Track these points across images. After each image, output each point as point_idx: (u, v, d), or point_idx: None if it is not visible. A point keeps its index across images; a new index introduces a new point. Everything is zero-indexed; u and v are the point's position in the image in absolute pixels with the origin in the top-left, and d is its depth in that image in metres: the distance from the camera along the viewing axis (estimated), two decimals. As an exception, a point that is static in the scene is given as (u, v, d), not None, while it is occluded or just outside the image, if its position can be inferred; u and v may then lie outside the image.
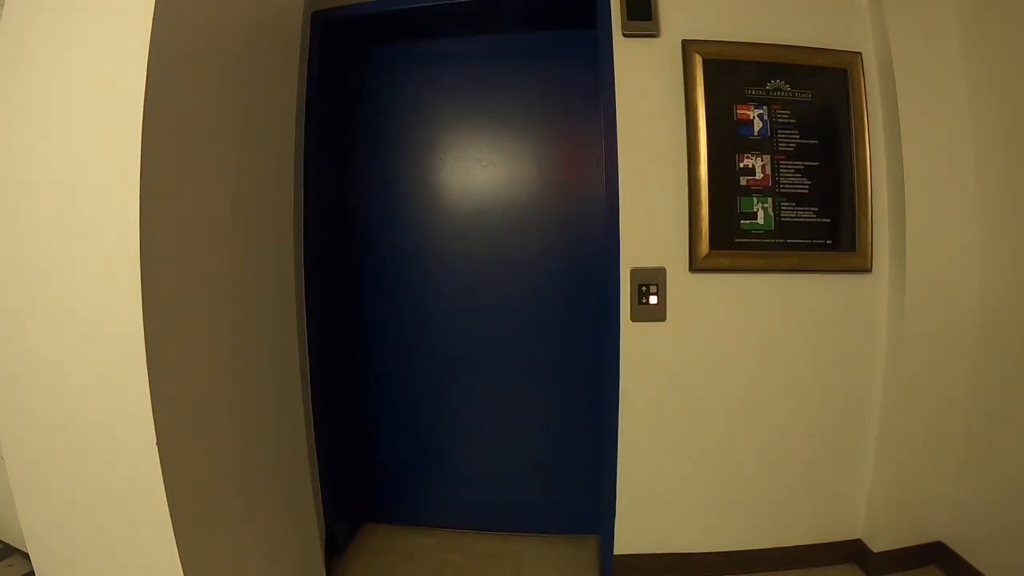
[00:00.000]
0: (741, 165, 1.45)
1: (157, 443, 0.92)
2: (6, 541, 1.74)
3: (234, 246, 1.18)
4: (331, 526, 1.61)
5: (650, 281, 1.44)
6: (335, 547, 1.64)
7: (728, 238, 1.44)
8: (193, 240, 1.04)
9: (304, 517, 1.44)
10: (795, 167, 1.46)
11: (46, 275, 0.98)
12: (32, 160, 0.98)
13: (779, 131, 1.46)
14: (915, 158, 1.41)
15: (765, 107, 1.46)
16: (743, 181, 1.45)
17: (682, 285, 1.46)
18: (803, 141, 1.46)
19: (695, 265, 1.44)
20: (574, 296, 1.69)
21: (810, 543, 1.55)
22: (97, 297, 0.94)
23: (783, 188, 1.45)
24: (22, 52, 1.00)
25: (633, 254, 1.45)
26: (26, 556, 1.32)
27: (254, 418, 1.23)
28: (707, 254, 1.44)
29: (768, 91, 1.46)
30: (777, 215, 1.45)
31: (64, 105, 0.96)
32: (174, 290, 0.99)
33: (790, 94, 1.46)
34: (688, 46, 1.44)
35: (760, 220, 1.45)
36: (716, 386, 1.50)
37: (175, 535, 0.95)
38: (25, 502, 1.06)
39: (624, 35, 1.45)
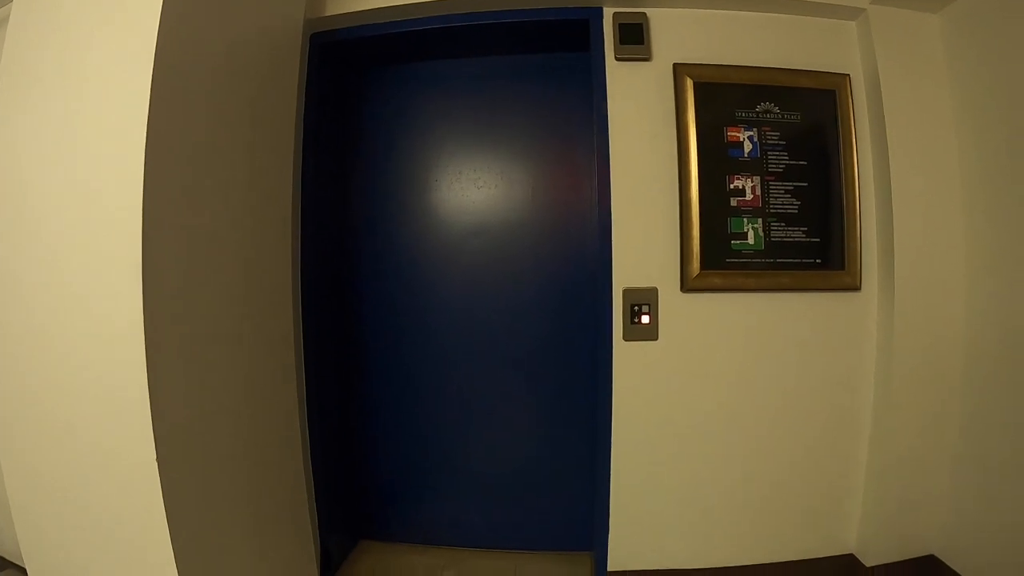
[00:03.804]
0: (731, 186, 1.47)
1: (156, 459, 0.94)
2: (2, 555, 1.74)
3: (233, 259, 1.20)
4: (326, 542, 1.62)
5: (642, 301, 1.46)
6: (329, 564, 1.64)
7: (719, 258, 1.46)
8: (193, 252, 1.06)
9: (299, 533, 1.45)
10: (784, 188, 1.48)
11: (47, 286, 1.00)
12: (40, 165, 1.01)
13: (769, 152, 1.48)
14: (902, 177, 1.44)
15: (755, 129, 1.48)
16: (733, 202, 1.47)
17: (674, 305, 1.47)
18: (792, 162, 1.49)
19: (687, 285, 1.46)
20: (568, 315, 1.70)
21: (803, 558, 1.56)
22: (98, 308, 0.96)
23: (773, 208, 1.48)
24: (31, 63, 1.03)
25: (626, 274, 1.47)
26: (22, 570, 1.32)
27: (251, 434, 1.24)
28: (698, 274, 1.46)
29: (758, 113, 1.49)
30: (767, 235, 1.47)
31: (72, 116, 0.99)
32: (174, 301, 1.01)
33: (779, 116, 1.49)
34: (679, 69, 1.47)
35: (750, 240, 1.47)
36: (708, 404, 1.51)
37: (173, 550, 0.96)
38: (23, 517, 1.07)
39: (617, 59, 1.48)
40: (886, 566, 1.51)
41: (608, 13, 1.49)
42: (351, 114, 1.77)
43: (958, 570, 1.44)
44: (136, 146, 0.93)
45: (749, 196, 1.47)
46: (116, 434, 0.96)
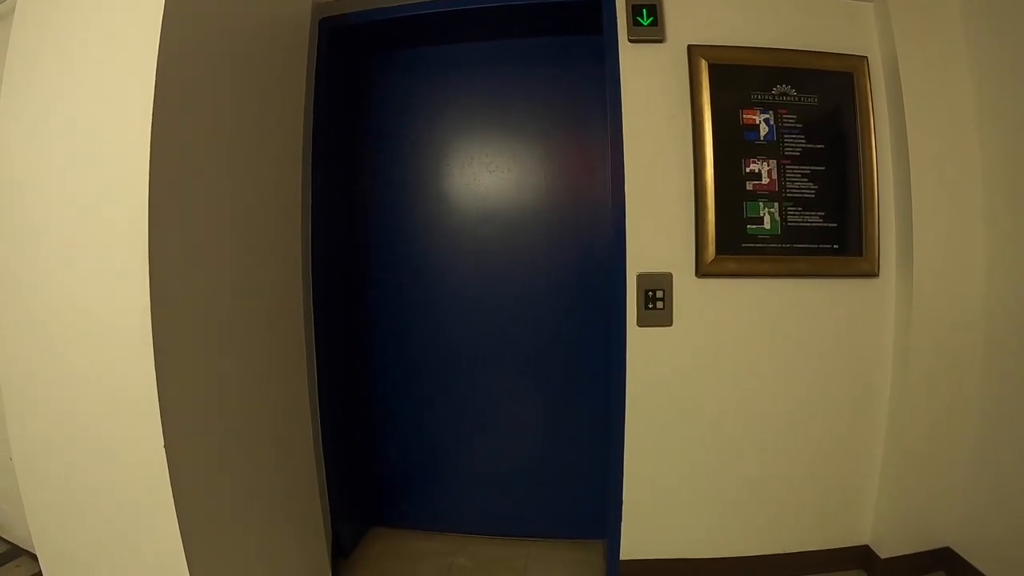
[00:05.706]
0: (747, 170, 1.45)
1: (164, 445, 0.93)
2: (14, 542, 1.75)
3: (242, 249, 1.19)
4: (338, 529, 1.61)
5: (657, 286, 1.44)
6: (342, 550, 1.64)
7: (735, 243, 1.44)
8: (201, 243, 1.05)
9: (311, 520, 1.45)
10: (801, 171, 1.46)
11: (57, 277, 0.99)
12: (46, 163, 1.00)
13: (785, 135, 1.46)
14: (921, 162, 1.41)
15: (771, 112, 1.46)
16: (749, 186, 1.45)
17: (689, 290, 1.46)
18: (809, 145, 1.46)
19: (701, 270, 1.44)
20: (580, 301, 1.69)
21: (818, 549, 1.55)
22: (107, 300, 0.95)
23: (789, 193, 1.45)
24: (35, 56, 1.02)
25: (640, 259, 1.45)
26: (34, 557, 1.33)
27: (261, 421, 1.24)
28: (713, 259, 1.44)
29: (774, 96, 1.46)
30: (784, 220, 1.45)
31: (76, 109, 0.98)
32: (182, 292, 1.00)
33: (796, 98, 1.47)
34: (694, 51, 1.44)
35: (767, 225, 1.45)
36: (722, 391, 1.49)
37: (181, 536, 0.95)
38: (33, 504, 1.07)
39: (630, 41, 1.45)
40: (901, 558, 1.49)
41: (621, -6, 1.47)
42: (361, 99, 1.76)
43: (973, 562, 1.42)
44: (141, 138, 0.91)
45: (765, 180, 1.45)
46: (125, 425, 0.96)
